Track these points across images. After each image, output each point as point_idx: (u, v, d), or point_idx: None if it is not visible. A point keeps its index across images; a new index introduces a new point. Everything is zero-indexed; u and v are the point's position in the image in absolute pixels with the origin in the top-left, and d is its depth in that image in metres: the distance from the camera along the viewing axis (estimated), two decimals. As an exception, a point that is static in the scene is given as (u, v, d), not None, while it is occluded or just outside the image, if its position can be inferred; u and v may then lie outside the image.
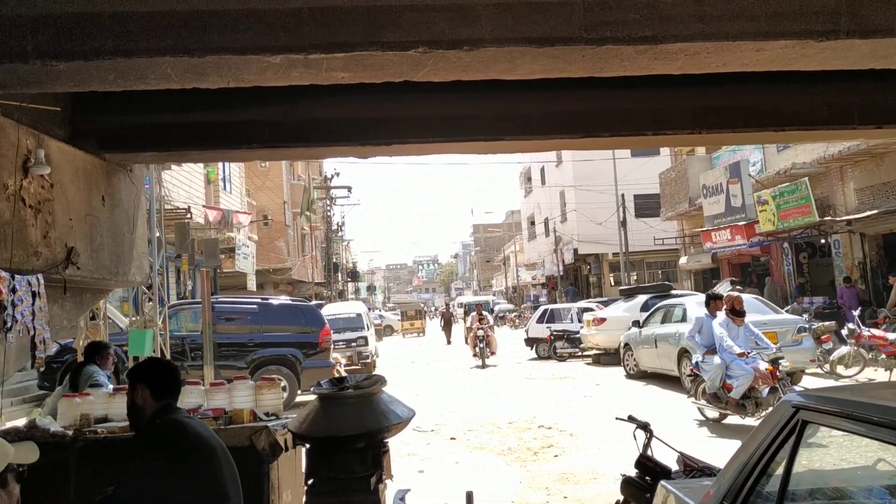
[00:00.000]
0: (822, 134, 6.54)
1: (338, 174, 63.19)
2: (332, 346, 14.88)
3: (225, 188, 23.81)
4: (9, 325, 4.53)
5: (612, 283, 37.31)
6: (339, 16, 3.62)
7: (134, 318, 12.22)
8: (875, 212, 16.74)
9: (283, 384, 13.08)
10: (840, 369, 12.25)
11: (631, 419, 4.13)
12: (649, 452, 3.89)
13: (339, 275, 54.42)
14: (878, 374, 12.17)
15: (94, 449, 4.37)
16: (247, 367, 12.72)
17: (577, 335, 20.13)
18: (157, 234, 11.90)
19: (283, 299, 16.33)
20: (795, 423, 2.17)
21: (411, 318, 41.60)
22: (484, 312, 22.35)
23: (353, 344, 20.03)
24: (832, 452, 3.01)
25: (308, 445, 4.28)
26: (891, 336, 12.03)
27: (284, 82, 4.25)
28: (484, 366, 19.78)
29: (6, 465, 2.27)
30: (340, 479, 4.14)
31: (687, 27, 3.67)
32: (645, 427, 4.02)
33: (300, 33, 3.64)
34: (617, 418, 4.38)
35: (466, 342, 21.51)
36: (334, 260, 50.36)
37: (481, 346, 20.38)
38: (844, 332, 12.51)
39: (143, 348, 10.26)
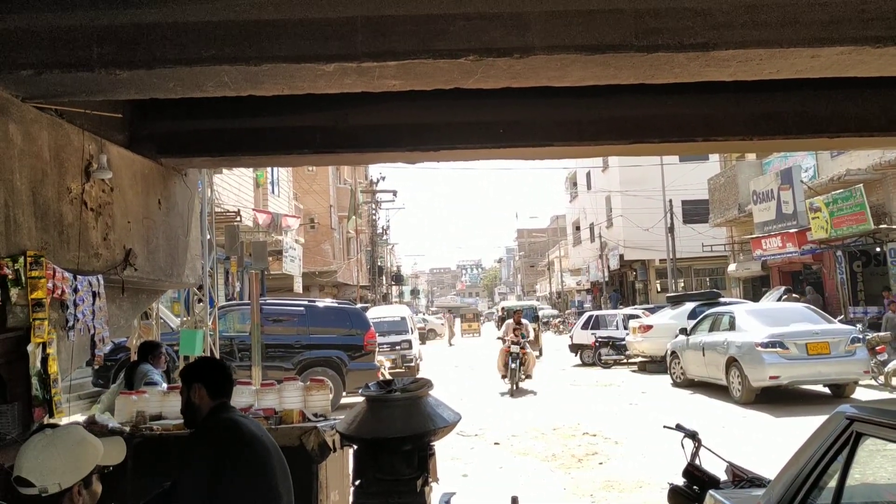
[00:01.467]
0: (879, 141, 6.41)
1: (383, 178, 63.61)
2: (377, 349, 15.02)
3: (273, 192, 24.18)
4: (71, 323, 4.70)
5: (659, 290, 36.83)
6: (392, 24, 3.69)
7: (185, 319, 12.50)
8: (934, 220, 16.26)
9: (329, 384, 13.27)
10: (895, 381, 11.92)
11: (679, 427, 4.10)
12: (697, 462, 3.86)
13: (384, 278, 54.78)
14: (936, 387, 11.82)
15: (150, 445, 4.50)
16: (293, 369, 12.91)
17: (623, 342, 19.95)
18: (208, 237, 12.15)
19: (329, 302, 16.54)
20: (850, 434, 2.15)
21: (469, 321, 49.06)
22: (524, 321, 17.43)
23: (398, 347, 20.17)
24: (887, 466, 2.96)
25: (355, 446, 4.34)
26: (949, 348, 11.67)
27: (337, 89, 4.33)
28: (516, 390, 15.31)
29: (95, 464, 2.20)
30: (387, 481, 4.20)
31: (739, 34, 3.65)
32: (693, 436, 3.99)
33: (353, 42, 3.71)
34: (665, 426, 4.35)
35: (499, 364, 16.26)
36: (379, 263, 50.67)
37: (513, 366, 15.49)
38: (900, 343, 12.17)
39: (193, 348, 10.48)
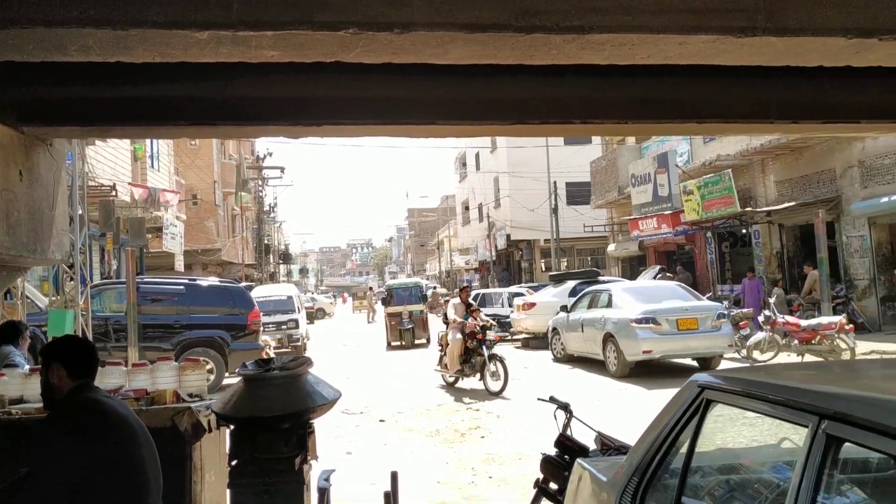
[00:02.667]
0: (742, 127, 6.78)
1: (270, 154, 62.26)
2: (262, 329, 14.73)
3: (153, 166, 23.15)
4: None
5: (543, 269, 37.88)
6: (269, -8, 3.58)
7: (54, 298, 11.83)
8: (793, 203, 17.46)
9: (210, 366, 12.91)
10: (756, 354, 12.77)
11: (552, 399, 4.24)
12: (569, 432, 4.01)
13: (271, 257, 53.67)
14: (791, 359, 12.74)
15: (10, 430, 4.25)
16: (173, 349, 12.47)
17: (508, 319, 20.41)
18: (80, 212, 11.52)
19: (212, 280, 16.06)
20: (700, 401, 2.29)
21: (360, 298, 53.61)
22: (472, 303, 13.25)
23: (284, 327, 19.90)
24: (744, 432, 3.17)
25: (232, 426, 4.25)
26: (803, 323, 12.60)
27: (213, 59, 4.17)
28: (499, 392, 11.33)
29: None
30: (265, 460, 4.13)
31: (613, 19, 3.76)
32: (565, 407, 4.14)
33: (229, 9, 3.58)
34: (539, 399, 4.49)
35: (442, 361, 12.49)
36: (266, 241, 49.55)
37: (494, 369, 11.48)
38: (760, 318, 13.04)
39: (63, 329, 9.94)
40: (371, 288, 52.91)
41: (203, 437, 4.37)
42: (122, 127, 6.14)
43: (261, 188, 46.83)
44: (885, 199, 15.15)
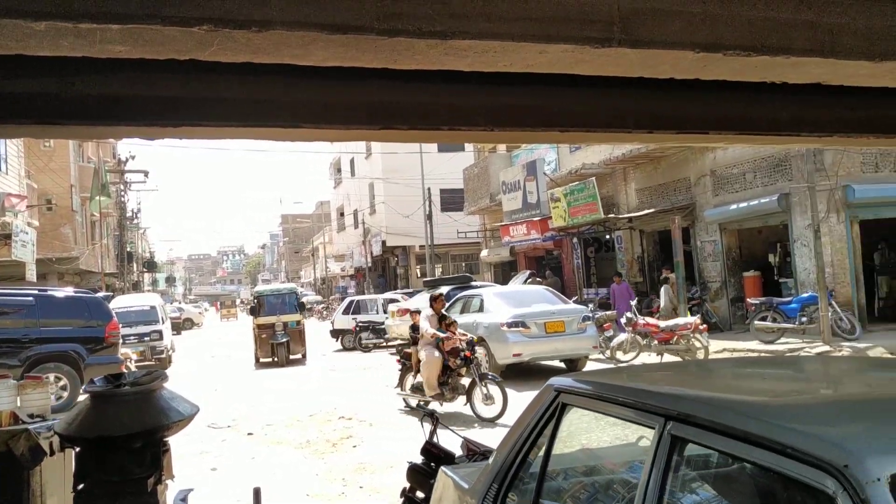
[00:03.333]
0: (602, 136, 7.00)
1: (133, 157, 59.45)
2: (122, 341, 13.97)
3: (0, 168, 21.49)
4: None
5: (419, 275, 38.07)
6: (115, -17, 3.36)
7: None
8: (652, 210, 18.37)
9: (62, 382, 12.08)
10: (619, 355, 13.32)
11: (418, 407, 4.20)
12: (435, 439, 3.99)
13: (134, 265, 51.17)
14: (652, 358, 13.38)
15: None
16: (21, 365, 11.57)
17: (383, 326, 20.34)
18: None
19: (66, 291, 15.05)
20: (557, 405, 2.31)
21: (228, 307, 58.29)
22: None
23: (147, 338, 19.00)
24: (609, 430, 3.24)
25: (77, 448, 3.96)
26: (662, 324, 13.25)
27: (53, 52, 3.86)
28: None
29: None
30: (114, 482, 3.87)
31: (475, 25, 3.77)
32: (431, 415, 4.12)
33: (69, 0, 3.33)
34: (405, 407, 4.44)
35: (404, 382, 10.76)
36: (128, 249, 47.16)
37: (487, 391, 9.66)
38: (623, 320, 13.61)
39: None
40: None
41: (43, 460, 4.04)
42: (-47, 124, 5.63)
43: (123, 193, 44.53)
44: (734, 207, 16.20)
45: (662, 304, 16.06)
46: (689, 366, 4.48)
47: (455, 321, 10.83)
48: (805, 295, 14.20)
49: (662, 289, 16.61)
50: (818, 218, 13.86)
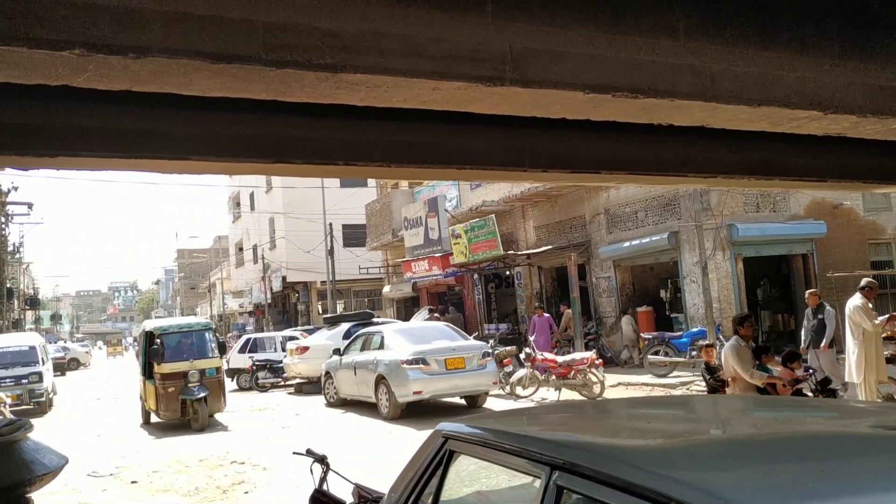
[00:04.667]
0: (499, 174, 7.08)
1: (16, 188, 56.25)
2: (-6, 385, 12.98)
3: None
4: None
5: (320, 311, 37.41)
6: (-25, 3, 3.12)
7: None
8: (549, 247, 18.76)
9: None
10: (519, 390, 13.37)
11: (309, 453, 4.02)
12: (325, 487, 3.81)
13: (15, 302, 48.19)
14: (550, 394, 13.50)
15: None
16: None
17: (281, 364, 19.78)
18: None
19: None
20: (444, 452, 2.21)
21: (114, 345, 62.29)
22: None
23: (24, 381, 17.77)
24: (504, 472, 3.16)
25: (-78, 509, 3.57)
26: (560, 359, 13.42)
27: None
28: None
29: None
30: (-34, 546, 3.51)
31: (366, 59, 3.71)
32: (322, 460, 3.94)
33: (-80, 16, 3.07)
34: (294, 453, 4.25)
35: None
36: (9, 285, 44.40)
37: None
38: (522, 355, 13.71)
39: None
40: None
41: None
42: None
43: (4, 226, 42.03)
44: (626, 244, 16.74)
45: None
46: (582, 407, 4.44)
47: (771, 350, 8.53)
48: (695, 329, 14.74)
49: (565, 314, 16.94)
50: (705, 255, 14.48)
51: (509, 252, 19.78)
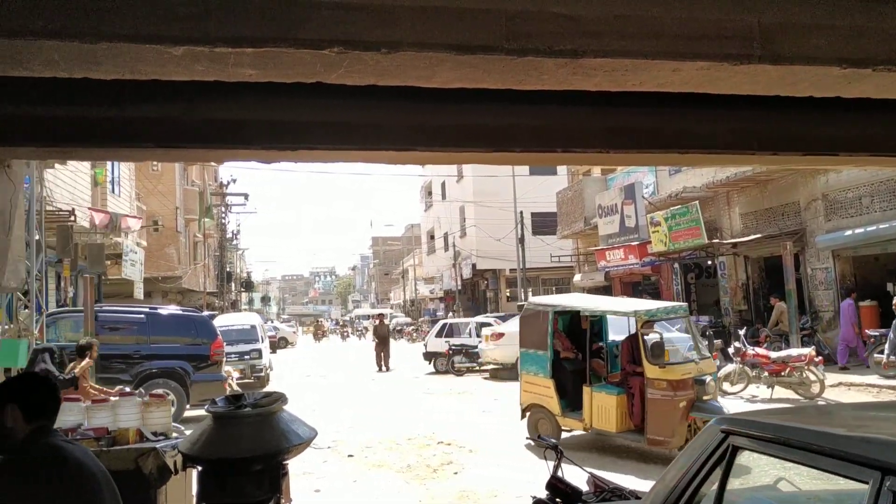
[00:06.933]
0: (724, 158, 6.73)
1: (234, 180, 61.79)
2: (224, 359, 14.31)
3: (113, 191, 22.59)
4: None
5: (508, 299, 37.78)
6: (248, 7, 3.39)
7: (7, 327, 11.32)
8: (758, 236, 17.62)
9: (169, 398, 12.46)
10: (726, 386, 12.72)
11: (540, 439, 4.04)
12: (560, 473, 3.82)
13: (233, 285, 52.93)
14: (761, 391, 12.73)
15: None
16: (132, 381, 12.01)
17: (476, 350, 20.18)
18: (37, 237, 11.09)
19: (173, 309, 15.60)
20: (726, 448, 2.11)
21: (308, 326, 63.23)
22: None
23: (247, 357, 19.42)
24: (770, 471, 2.98)
25: (200, 468, 3.97)
26: (773, 354, 12.59)
27: (186, 77, 3.94)
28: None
29: None
30: (234, 505, 3.87)
31: (607, 43, 3.64)
32: (554, 448, 3.94)
33: (206, 24, 3.38)
34: (528, 439, 4.29)
35: None
36: (228, 269, 48.86)
37: None
38: (731, 350, 13.02)
39: (16, 359, 9.46)
40: (381, 315, 31.33)
41: (169, 479, 4.08)
42: (84, 148, 5.86)
43: (224, 215, 46.28)
44: (848, 233, 15.34)
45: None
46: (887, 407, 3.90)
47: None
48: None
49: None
50: (946, 245, 12.95)
51: (713, 240, 18.82)
